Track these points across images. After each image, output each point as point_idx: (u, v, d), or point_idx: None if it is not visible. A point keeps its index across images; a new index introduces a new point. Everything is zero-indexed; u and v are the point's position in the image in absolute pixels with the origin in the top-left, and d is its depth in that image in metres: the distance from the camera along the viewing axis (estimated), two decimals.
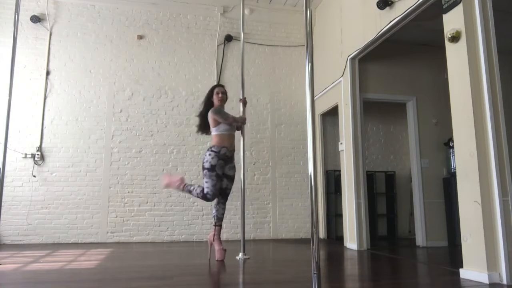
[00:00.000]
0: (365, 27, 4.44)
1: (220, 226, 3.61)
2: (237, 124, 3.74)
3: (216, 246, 3.54)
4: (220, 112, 3.60)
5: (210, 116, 3.59)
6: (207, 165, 3.44)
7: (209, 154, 3.47)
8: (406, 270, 3.26)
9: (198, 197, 3.47)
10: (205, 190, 3.42)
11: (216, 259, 3.50)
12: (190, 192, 3.50)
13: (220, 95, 3.71)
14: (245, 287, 2.60)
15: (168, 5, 5.76)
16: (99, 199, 5.16)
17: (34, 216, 4.95)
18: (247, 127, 4.01)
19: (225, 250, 3.54)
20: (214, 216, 3.61)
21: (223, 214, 3.64)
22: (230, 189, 3.66)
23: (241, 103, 4.02)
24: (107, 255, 3.86)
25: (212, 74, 5.79)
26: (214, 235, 3.58)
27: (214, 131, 3.60)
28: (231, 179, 3.65)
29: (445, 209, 4.96)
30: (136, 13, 5.68)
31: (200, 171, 5.44)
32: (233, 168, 3.66)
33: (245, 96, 4.14)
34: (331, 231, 5.61)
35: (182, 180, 3.53)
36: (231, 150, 3.60)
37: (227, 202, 3.68)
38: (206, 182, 3.42)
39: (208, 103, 3.75)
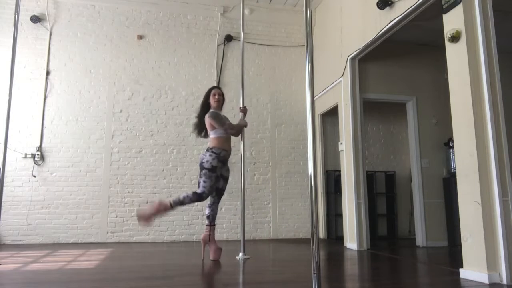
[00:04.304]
0: (365, 27, 4.44)
1: (215, 225, 3.67)
2: (232, 132, 3.69)
3: (213, 246, 3.55)
4: (217, 117, 3.57)
5: (207, 119, 3.59)
6: (207, 165, 3.44)
7: (210, 155, 3.47)
8: (406, 270, 3.25)
9: (191, 201, 3.42)
10: (201, 190, 3.41)
11: (211, 258, 3.50)
12: (182, 203, 3.40)
13: (216, 96, 3.69)
14: (245, 287, 2.60)
15: (168, 5, 5.76)
16: (99, 199, 5.16)
17: (34, 216, 4.95)
18: (247, 127, 4.03)
19: (220, 249, 3.56)
20: (209, 216, 3.61)
21: (216, 213, 3.71)
22: (225, 189, 3.72)
23: (241, 113, 3.98)
24: (107, 255, 3.86)
25: (212, 74, 5.79)
26: (209, 235, 3.57)
27: (212, 133, 3.59)
28: (227, 180, 3.72)
29: (445, 209, 4.96)
30: (136, 13, 5.68)
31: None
32: (228, 170, 3.73)
33: (244, 95, 4.13)
34: (331, 231, 5.61)
35: (160, 202, 3.41)
36: (230, 153, 3.65)
37: (223, 202, 3.71)
38: (205, 181, 3.41)
39: (205, 105, 3.74)
